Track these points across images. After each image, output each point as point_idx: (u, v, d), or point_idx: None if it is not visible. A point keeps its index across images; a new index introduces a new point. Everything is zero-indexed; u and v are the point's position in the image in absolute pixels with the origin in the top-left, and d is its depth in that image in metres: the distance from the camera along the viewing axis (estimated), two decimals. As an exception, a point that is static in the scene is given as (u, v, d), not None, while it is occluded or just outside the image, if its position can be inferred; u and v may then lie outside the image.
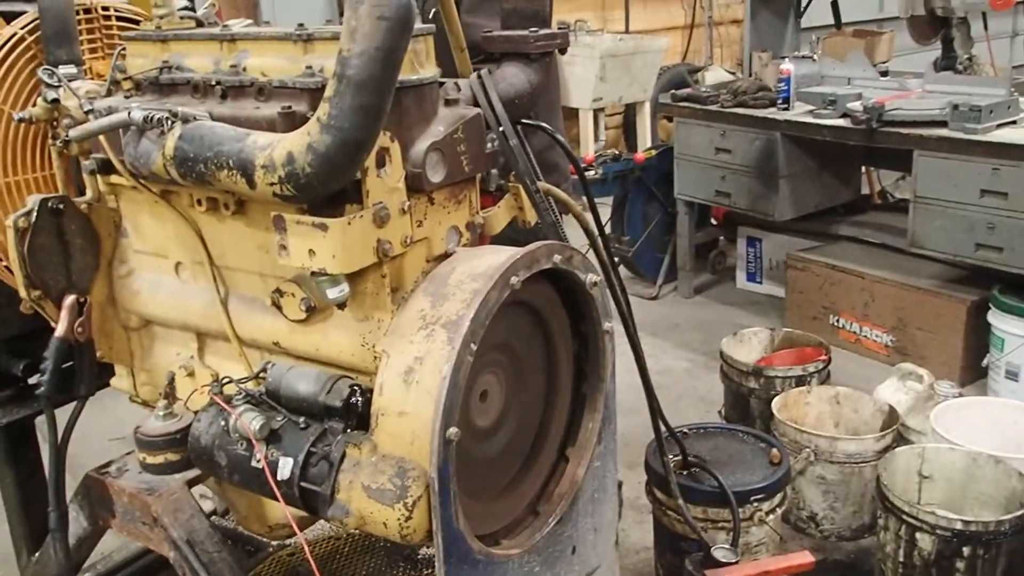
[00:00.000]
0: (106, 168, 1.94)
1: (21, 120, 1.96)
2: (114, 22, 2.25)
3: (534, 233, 2.06)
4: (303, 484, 1.65)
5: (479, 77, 1.85)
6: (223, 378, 1.82)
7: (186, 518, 1.90)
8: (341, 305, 1.69)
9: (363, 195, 1.58)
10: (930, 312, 4.28)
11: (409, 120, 1.66)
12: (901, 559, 2.58)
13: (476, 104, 1.82)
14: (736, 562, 2.28)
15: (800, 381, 3.44)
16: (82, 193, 2.07)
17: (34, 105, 1.99)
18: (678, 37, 8.61)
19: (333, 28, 1.69)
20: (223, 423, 1.72)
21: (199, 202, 1.83)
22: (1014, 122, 3.91)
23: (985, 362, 4.06)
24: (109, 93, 1.97)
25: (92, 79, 2.14)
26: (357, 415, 1.67)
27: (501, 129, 1.80)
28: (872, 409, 3.29)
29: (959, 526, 2.45)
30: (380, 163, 1.59)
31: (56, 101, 1.93)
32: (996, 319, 3.92)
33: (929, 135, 3.93)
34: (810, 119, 4.40)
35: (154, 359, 2.13)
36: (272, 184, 1.51)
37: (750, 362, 3.63)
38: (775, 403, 3.26)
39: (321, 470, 1.64)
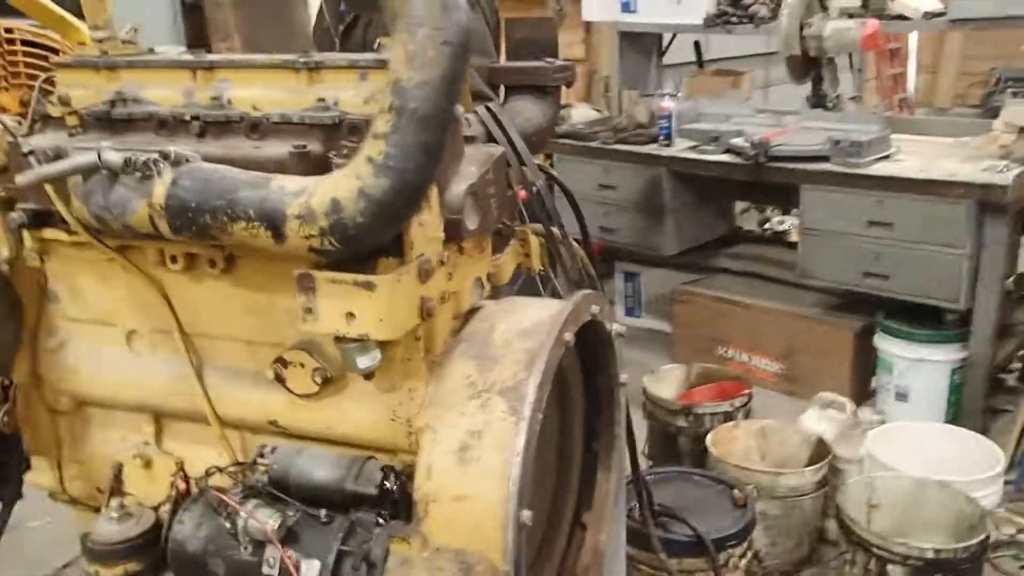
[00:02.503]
0: (38, 221, 1.61)
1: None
2: (18, 47, 1.90)
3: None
4: (336, 590, 1.39)
5: (489, 111, 1.68)
6: (210, 468, 1.53)
7: (160, 642, 1.57)
8: (369, 375, 1.45)
9: (405, 246, 1.36)
10: (817, 339, 4.43)
11: (443, 160, 1.45)
12: (870, 592, 2.58)
13: (491, 140, 1.64)
14: (738, 616, 2.18)
15: (728, 416, 3.43)
16: (-13, 251, 1.71)
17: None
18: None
19: (347, 56, 1.47)
20: (226, 523, 1.43)
21: (173, 259, 1.53)
22: (887, 156, 4.13)
23: (873, 385, 4.23)
24: (31, 130, 1.64)
25: (-4, 114, 1.78)
26: (393, 502, 1.43)
27: (525, 169, 1.62)
28: (799, 440, 3.32)
29: (930, 555, 2.47)
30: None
31: (-27, 140, 1.57)
32: (885, 343, 4.08)
33: (814, 169, 4.07)
34: (695, 155, 4.48)
35: (90, 448, 1.77)
36: (309, 237, 1.27)
37: (670, 399, 3.59)
38: (709, 440, 3.22)
39: (359, 572, 1.39)
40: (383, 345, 1.41)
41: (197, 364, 1.61)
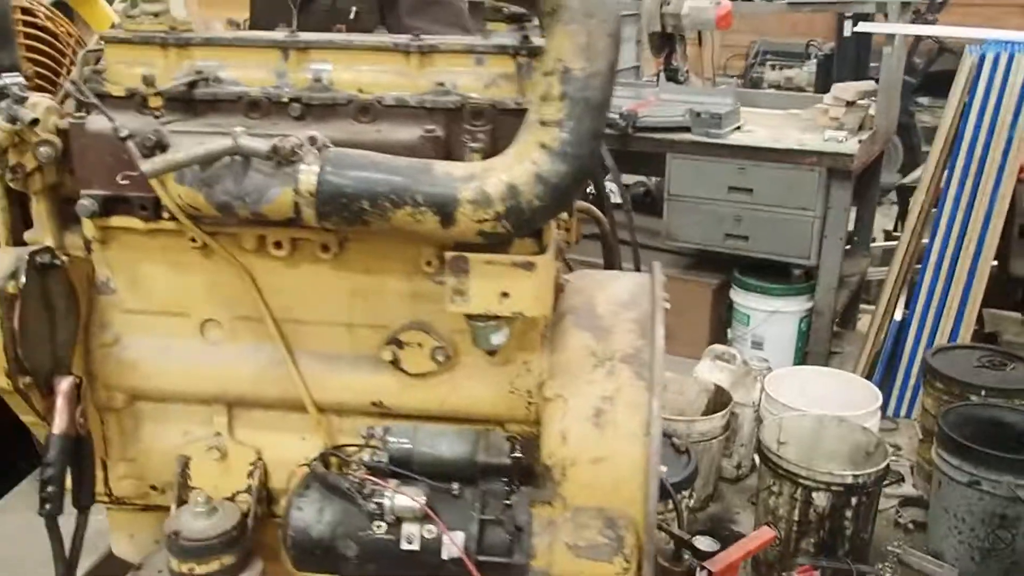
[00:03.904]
0: (106, 209, 1.51)
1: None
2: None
3: None
4: (482, 558, 1.46)
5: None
6: (325, 450, 1.54)
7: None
8: (493, 351, 1.51)
9: (545, 227, 1.43)
10: (679, 297, 4.74)
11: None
12: (796, 518, 2.92)
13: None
14: (720, 549, 2.42)
15: (634, 372, 3.68)
16: (16, 239, 1.59)
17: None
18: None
19: (463, 39, 1.50)
20: (367, 504, 1.45)
21: (277, 245, 1.50)
22: (740, 127, 4.54)
23: (730, 335, 4.68)
24: (80, 110, 1.52)
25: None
26: (521, 471, 1.51)
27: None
28: (697, 390, 3.64)
29: (850, 480, 2.84)
30: (550, 189, 1.45)
31: (36, 122, 1.44)
32: (741, 297, 4.52)
33: (679, 139, 4.40)
34: (565, 126, 4.67)
35: (145, 444, 1.69)
36: (483, 221, 1.31)
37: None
38: (623, 395, 3.46)
39: (502, 539, 1.46)
40: (511, 321, 1.48)
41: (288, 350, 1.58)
